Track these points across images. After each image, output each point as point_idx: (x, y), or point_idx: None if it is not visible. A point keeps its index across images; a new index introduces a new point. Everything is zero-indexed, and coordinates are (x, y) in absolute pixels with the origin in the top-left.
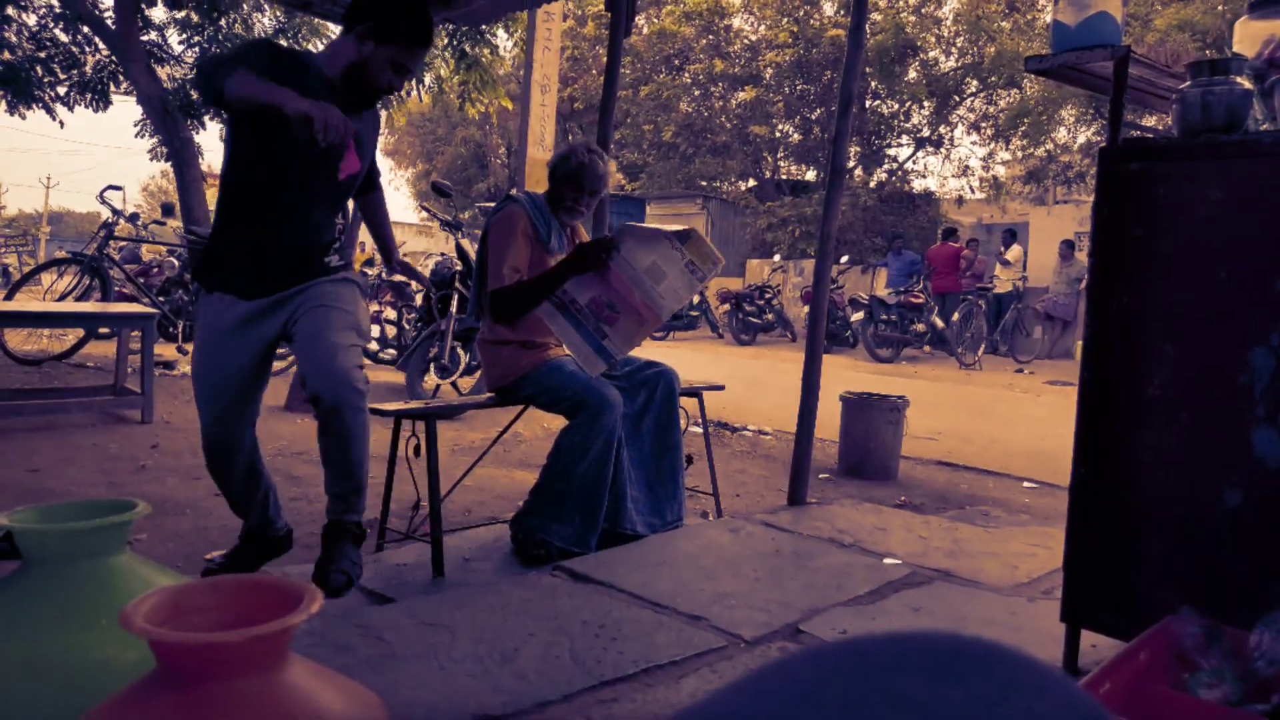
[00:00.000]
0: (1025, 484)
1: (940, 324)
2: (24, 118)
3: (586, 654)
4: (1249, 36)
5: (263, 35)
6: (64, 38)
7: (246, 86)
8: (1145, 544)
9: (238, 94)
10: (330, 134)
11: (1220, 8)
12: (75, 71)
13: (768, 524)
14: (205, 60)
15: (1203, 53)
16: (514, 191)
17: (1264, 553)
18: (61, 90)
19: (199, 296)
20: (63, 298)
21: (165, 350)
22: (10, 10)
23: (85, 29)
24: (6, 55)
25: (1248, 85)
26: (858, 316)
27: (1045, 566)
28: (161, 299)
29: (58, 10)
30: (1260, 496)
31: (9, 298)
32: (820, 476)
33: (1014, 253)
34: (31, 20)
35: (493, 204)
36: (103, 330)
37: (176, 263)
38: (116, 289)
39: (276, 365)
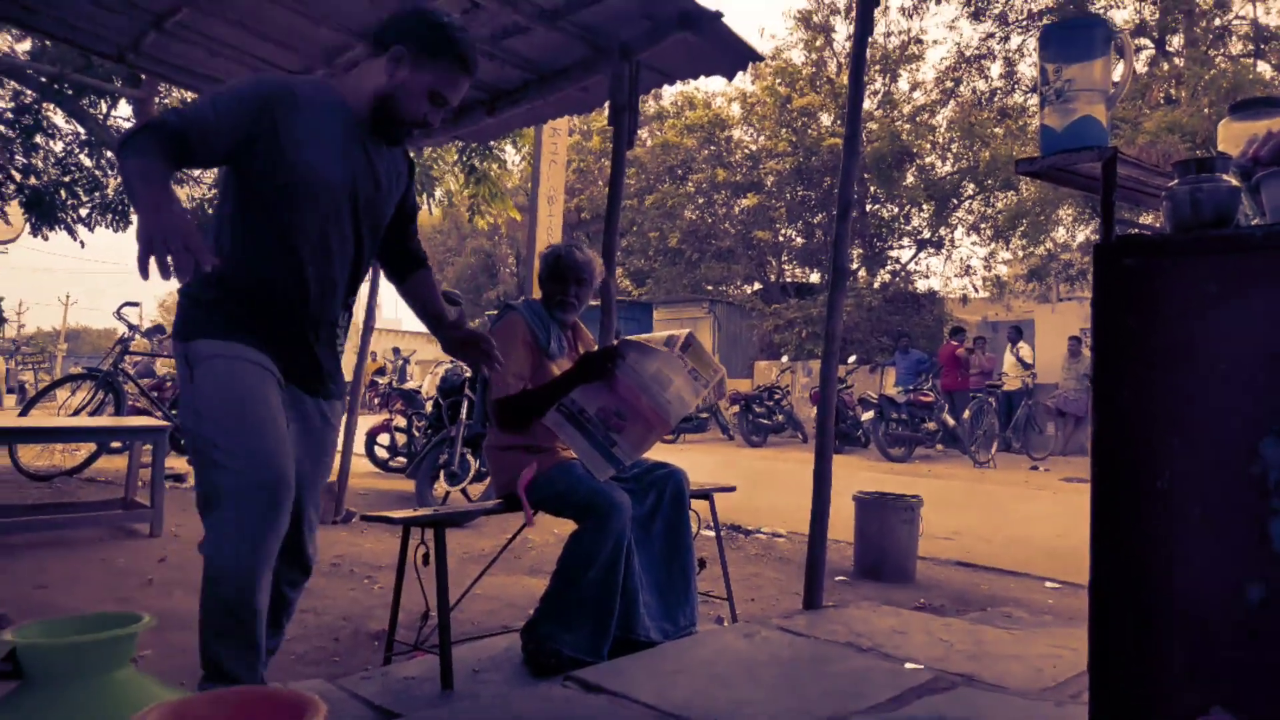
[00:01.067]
0: (1047, 583)
1: (951, 422)
2: (46, 239)
3: None
4: (1231, 137)
5: None
6: (88, 162)
7: (131, 179)
8: (1170, 643)
9: (124, 183)
10: (165, 251)
11: (1206, 110)
12: (98, 194)
13: (784, 628)
14: (137, 124)
15: (1192, 153)
16: (521, 299)
17: None
18: (84, 212)
19: (191, 352)
20: (77, 413)
21: (176, 463)
22: (38, 138)
23: (109, 153)
24: (33, 180)
25: (1235, 182)
26: (868, 416)
27: (1072, 669)
28: (174, 412)
29: (83, 137)
30: None
31: (24, 414)
32: (836, 579)
33: (1025, 351)
34: (58, 147)
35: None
36: (115, 444)
37: None
38: (130, 403)
39: None
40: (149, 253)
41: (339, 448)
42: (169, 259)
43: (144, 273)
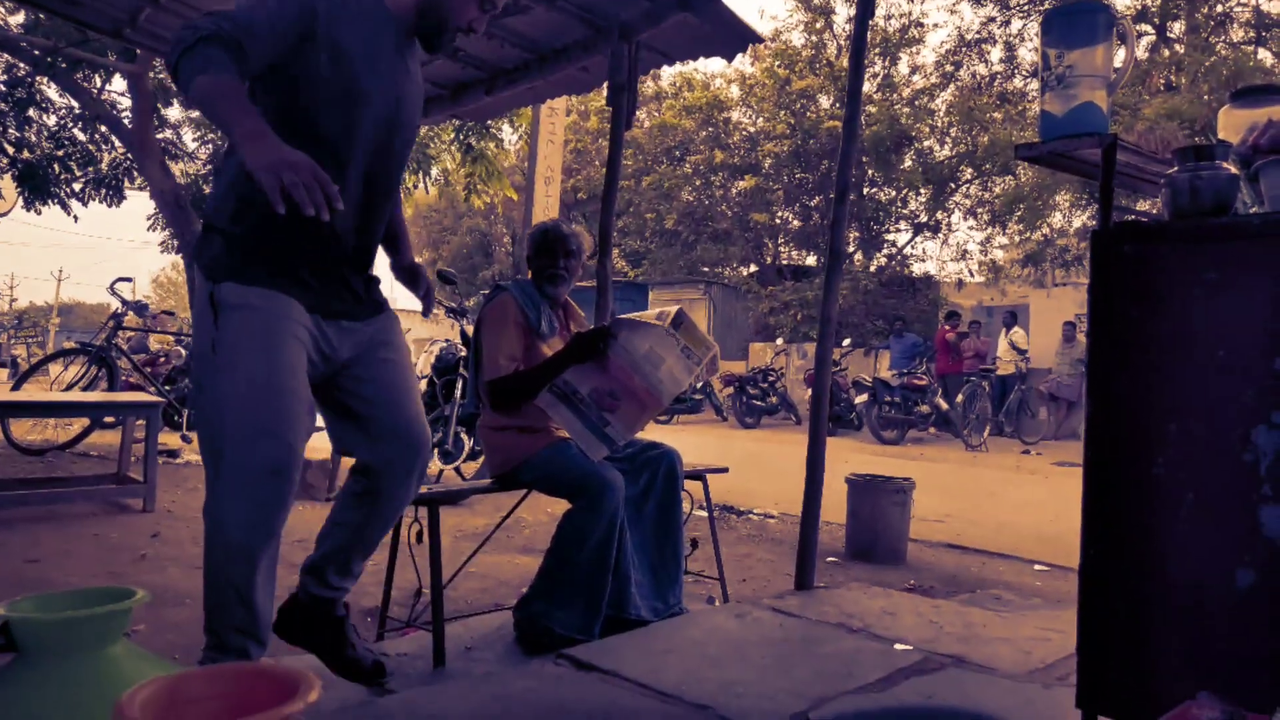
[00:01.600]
0: (1036, 566)
1: (944, 405)
2: (39, 213)
3: None
4: (1232, 124)
5: None
6: (82, 136)
7: (211, 100)
8: (1159, 627)
9: (199, 104)
10: (297, 183)
11: (1206, 97)
12: (91, 168)
13: (775, 609)
14: (189, 31)
15: (1191, 140)
16: (511, 279)
17: None
18: (77, 186)
19: (218, 294)
20: (70, 388)
21: (169, 439)
22: (31, 111)
23: (103, 128)
24: (26, 154)
25: (1234, 170)
26: (862, 399)
27: (1059, 651)
28: (168, 388)
29: (77, 111)
30: (1273, 576)
31: (16, 388)
32: (828, 560)
33: (1019, 336)
34: (52, 121)
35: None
36: (108, 419)
37: (184, 351)
38: (123, 378)
39: None
40: (278, 186)
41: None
42: (303, 192)
43: (281, 207)
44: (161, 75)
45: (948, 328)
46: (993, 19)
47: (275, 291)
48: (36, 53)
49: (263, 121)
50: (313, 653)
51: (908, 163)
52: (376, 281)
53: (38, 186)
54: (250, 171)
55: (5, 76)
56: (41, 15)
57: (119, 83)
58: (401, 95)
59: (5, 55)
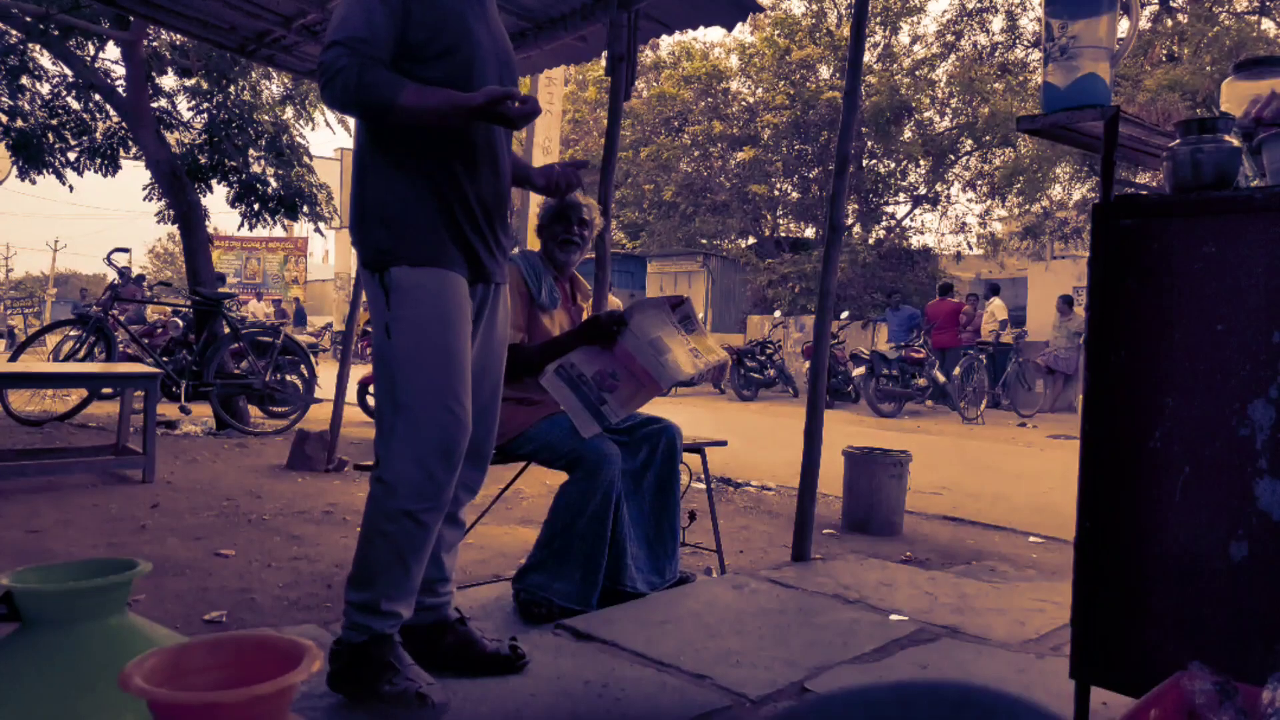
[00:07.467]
0: (1031, 538)
1: (941, 378)
2: (34, 183)
3: (588, 716)
4: (1235, 96)
5: (270, 101)
6: (76, 105)
7: (423, 104)
8: (1153, 598)
9: (414, 115)
10: (524, 109)
11: (1208, 68)
12: (86, 137)
13: (772, 580)
14: (347, 67)
15: (1193, 112)
16: (515, 250)
17: (1273, 606)
18: (72, 156)
19: (388, 279)
20: (67, 358)
21: (168, 410)
22: (24, 79)
23: (97, 96)
24: (20, 123)
25: (1236, 143)
26: (859, 371)
27: (1053, 622)
28: (165, 359)
29: (71, 79)
30: (1266, 549)
31: (14, 359)
32: (824, 532)
33: (997, 306)
34: (45, 89)
35: None
36: (106, 390)
37: (181, 323)
38: (121, 349)
39: (278, 424)
40: (500, 117)
41: (332, 397)
42: (516, 111)
43: (518, 125)
44: (155, 43)
45: (954, 300)
46: None
47: (441, 269)
48: (28, 19)
49: (456, 93)
50: (446, 665)
51: (907, 134)
52: (509, 240)
53: (32, 155)
54: (497, 116)
55: None
56: None
57: (113, 50)
58: (496, 34)
59: None
